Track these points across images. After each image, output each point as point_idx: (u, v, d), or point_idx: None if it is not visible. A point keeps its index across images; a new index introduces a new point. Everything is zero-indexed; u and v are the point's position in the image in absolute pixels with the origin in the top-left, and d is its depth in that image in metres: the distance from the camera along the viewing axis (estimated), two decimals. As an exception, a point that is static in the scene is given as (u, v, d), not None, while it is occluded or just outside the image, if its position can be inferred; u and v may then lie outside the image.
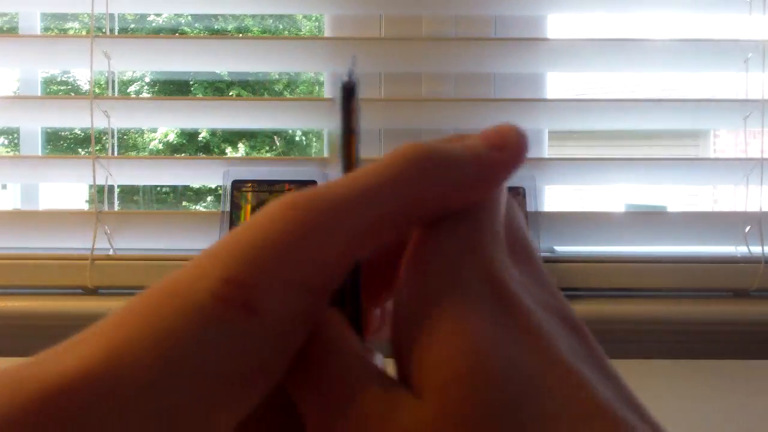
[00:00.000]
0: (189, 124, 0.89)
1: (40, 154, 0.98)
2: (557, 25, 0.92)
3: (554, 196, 0.96)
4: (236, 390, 0.16)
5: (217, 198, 0.84)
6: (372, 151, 0.87)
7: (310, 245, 0.17)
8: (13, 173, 0.89)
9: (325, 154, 0.96)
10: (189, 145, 4.05)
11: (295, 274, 0.17)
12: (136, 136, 3.96)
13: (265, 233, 0.17)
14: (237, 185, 0.83)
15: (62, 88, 3.75)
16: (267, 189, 0.83)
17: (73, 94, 2.84)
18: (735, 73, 0.86)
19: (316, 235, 0.17)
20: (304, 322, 0.18)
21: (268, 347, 0.17)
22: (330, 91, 0.94)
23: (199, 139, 4.01)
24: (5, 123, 0.89)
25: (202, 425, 0.16)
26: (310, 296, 0.17)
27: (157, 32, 2.22)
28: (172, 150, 3.99)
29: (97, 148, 0.84)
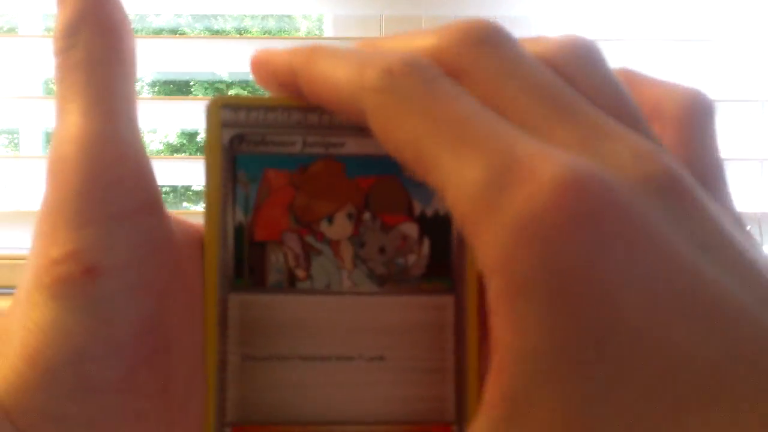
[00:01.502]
0: (189, 124, 0.89)
1: (40, 154, 0.98)
2: (556, 25, 0.92)
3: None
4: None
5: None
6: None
7: None
8: (13, 173, 0.89)
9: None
10: (189, 145, 4.05)
11: None
12: (136, 136, 3.96)
13: None
14: (237, 185, 0.83)
15: (62, 88, 3.75)
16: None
17: (73, 94, 2.82)
18: (735, 72, 0.86)
19: None
20: None
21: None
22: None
23: (199, 139, 4.02)
24: (5, 123, 0.89)
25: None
26: None
27: (157, 32, 2.22)
28: (172, 150, 3.99)
29: (97, 148, 0.83)
